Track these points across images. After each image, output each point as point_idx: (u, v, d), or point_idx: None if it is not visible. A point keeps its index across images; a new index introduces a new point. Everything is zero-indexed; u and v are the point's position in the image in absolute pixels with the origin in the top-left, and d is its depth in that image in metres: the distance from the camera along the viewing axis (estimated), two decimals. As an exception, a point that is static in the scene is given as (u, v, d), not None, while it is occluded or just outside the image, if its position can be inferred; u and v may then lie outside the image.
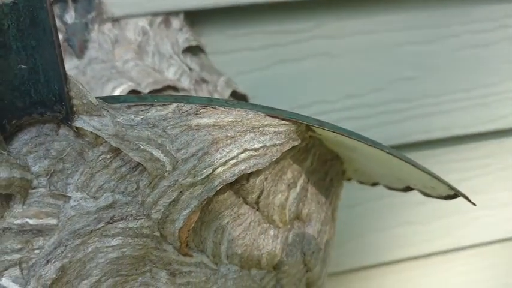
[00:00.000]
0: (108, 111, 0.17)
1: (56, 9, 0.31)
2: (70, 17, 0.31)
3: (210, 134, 0.18)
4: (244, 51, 0.36)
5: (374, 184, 0.28)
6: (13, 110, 0.17)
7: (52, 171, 0.17)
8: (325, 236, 0.27)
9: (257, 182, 0.21)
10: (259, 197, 0.21)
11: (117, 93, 0.29)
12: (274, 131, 0.19)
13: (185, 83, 0.32)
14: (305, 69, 0.37)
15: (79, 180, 0.18)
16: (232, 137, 0.19)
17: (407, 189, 0.26)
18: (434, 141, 0.42)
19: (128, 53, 0.31)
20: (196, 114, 0.18)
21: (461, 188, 0.23)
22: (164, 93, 0.29)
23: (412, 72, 0.39)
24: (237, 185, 0.20)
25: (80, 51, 0.31)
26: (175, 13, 0.32)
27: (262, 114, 0.19)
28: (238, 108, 0.19)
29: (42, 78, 0.17)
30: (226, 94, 0.33)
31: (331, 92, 0.38)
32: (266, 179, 0.21)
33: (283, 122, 0.19)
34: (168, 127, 0.18)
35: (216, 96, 0.33)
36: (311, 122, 0.20)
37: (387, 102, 0.39)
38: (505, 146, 0.45)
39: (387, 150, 0.21)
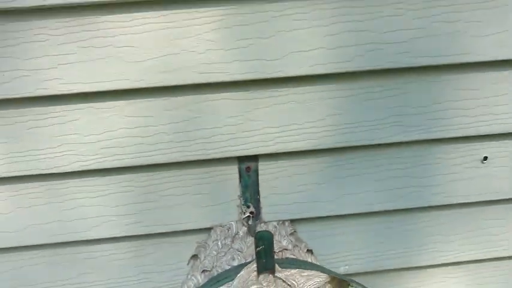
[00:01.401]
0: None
1: (245, 219, 0.86)
2: (251, 222, 0.86)
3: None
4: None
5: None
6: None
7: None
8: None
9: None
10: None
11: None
12: (332, 278, 0.71)
13: (289, 246, 0.85)
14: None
15: None
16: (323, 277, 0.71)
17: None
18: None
19: (279, 236, 0.85)
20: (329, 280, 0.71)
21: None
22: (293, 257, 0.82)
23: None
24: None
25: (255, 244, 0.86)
26: (286, 220, 0.87)
27: (327, 276, 0.71)
28: (330, 272, 0.71)
29: (267, 266, 0.70)
30: (304, 250, 0.86)
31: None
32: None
33: (331, 276, 0.71)
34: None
35: (303, 247, 0.86)
36: (339, 276, 0.72)
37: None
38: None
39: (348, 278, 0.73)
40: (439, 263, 0.95)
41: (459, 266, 0.97)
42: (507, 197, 0.90)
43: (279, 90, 0.78)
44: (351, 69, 0.77)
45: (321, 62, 0.76)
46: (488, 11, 0.76)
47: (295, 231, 0.88)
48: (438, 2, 0.75)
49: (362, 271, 0.93)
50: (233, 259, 0.82)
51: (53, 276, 0.87)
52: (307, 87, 0.78)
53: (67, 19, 0.71)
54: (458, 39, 0.77)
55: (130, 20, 0.71)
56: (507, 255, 0.95)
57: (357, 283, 0.73)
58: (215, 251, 0.85)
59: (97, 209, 0.83)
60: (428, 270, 0.96)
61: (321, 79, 0.78)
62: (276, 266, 0.69)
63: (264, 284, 0.69)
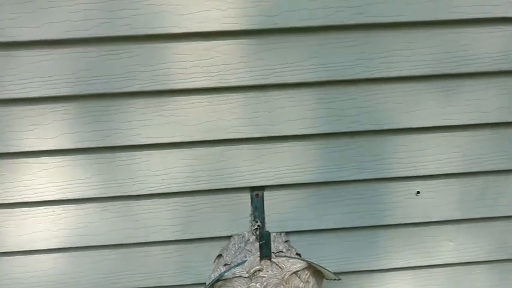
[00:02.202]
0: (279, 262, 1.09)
1: (254, 230, 1.26)
2: (258, 232, 1.26)
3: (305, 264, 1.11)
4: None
5: (328, 280, 1.18)
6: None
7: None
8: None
9: (303, 275, 1.11)
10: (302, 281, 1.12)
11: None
12: (308, 265, 1.11)
13: (284, 250, 1.24)
14: (317, 246, 1.30)
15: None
16: (304, 262, 1.11)
17: (333, 280, 1.16)
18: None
19: (277, 243, 1.25)
20: (306, 267, 1.10)
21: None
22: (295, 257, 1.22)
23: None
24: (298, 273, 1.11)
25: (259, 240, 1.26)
26: (282, 232, 1.27)
27: (306, 263, 1.10)
28: (307, 261, 1.10)
29: (266, 254, 1.10)
30: (294, 253, 1.26)
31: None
32: (306, 275, 1.12)
33: (313, 265, 1.10)
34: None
35: (294, 251, 1.25)
36: (316, 265, 1.11)
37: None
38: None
39: (328, 269, 1.12)
40: (392, 267, 1.33)
41: (407, 270, 1.35)
42: (435, 220, 1.30)
43: (277, 143, 1.22)
44: (323, 131, 1.21)
45: (304, 126, 1.20)
46: (408, 98, 1.21)
47: (288, 240, 1.29)
48: (376, 92, 1.20)
49: (337, 271, 1.32)
50: (245, 256, 1.22)
51: (121, 268, 1.28)
52: (296, 142, 1.22)
53: (148, 99, 1.17)
54: (392, 113, 1.21)
55: (187, 100, 1.17)
56: (440, 263, 1.34)
57: (325, 269, 1.12)
58: (233, 251, 1.25)
59: (156, 220, 1.25)
60: (386, 273, 1.35)
61: (305, 137, 1.22)
62: (272, 254, 1.10)
63: (264, 266, 1.10)
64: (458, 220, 1.32)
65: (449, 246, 1.34)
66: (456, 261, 1.35)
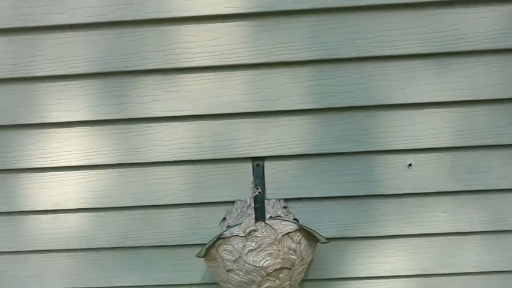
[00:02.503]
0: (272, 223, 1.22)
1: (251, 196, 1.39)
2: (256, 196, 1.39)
3: (297, 225, 1.23)
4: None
5: (321, 243, 1.30)
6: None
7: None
8: (309, 259, 1.28)
9: (295, 237, 1.23)
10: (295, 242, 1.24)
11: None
12: (301, 227, 1.22)
13: (282, 215, 1.36)
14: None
15: None
16: (296, 225, 1.23)
17: (323, 243, 1.28)
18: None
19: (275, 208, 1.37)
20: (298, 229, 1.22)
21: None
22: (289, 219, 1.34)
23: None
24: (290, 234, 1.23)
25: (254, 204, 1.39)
26: (281, 199, 1.39)
27: (297, 226, 1.22)
28: (298, 224, 1.22)
29: (260, 217, 1.22)
30: (291, 218, 1.38)
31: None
32: (298, 237, 1.24)
33: (304, 227, 1.22)
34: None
35: (291, 217, 1.37)
36: (307, 228, 1.23)
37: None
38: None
39: (319, 232, 1.23)
40: (386, 235, 1.43)
41: (401, 238, 1.44)
42: (426, 191, 1.38)
43: (277, 117, 1.33)
44: (319, 106, 1.30)
45: (301, 102, 1.30)
46: (401, 75, 1.28)
47: (286, 206, 1.40)
48: (371, 68, 1.28)
49: (335, 237, 1.42)
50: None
51: (137, 227, 1.44)
52: (294, 117, 1.33)
53: (159, 76, 1.30)
54: (386, 90, 1.29)
55: (195, 78, 1.29)
56: (429, 232, 1.42)
57: (316, 232, 1.23)
58: (236, 214, 1.38)
59: (168, 186, 1.39)
60: (380, 240, 1.45)
61: (302, 112, 1.32)
62: (266, 216, 1.22)
63: (258, 227, 1.22)
64: (449, 192, 1.40)
65: (441, 216, 1.42)
66: (448, 231, 1.42)
